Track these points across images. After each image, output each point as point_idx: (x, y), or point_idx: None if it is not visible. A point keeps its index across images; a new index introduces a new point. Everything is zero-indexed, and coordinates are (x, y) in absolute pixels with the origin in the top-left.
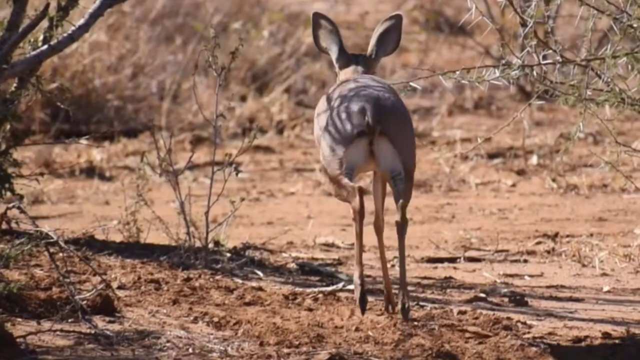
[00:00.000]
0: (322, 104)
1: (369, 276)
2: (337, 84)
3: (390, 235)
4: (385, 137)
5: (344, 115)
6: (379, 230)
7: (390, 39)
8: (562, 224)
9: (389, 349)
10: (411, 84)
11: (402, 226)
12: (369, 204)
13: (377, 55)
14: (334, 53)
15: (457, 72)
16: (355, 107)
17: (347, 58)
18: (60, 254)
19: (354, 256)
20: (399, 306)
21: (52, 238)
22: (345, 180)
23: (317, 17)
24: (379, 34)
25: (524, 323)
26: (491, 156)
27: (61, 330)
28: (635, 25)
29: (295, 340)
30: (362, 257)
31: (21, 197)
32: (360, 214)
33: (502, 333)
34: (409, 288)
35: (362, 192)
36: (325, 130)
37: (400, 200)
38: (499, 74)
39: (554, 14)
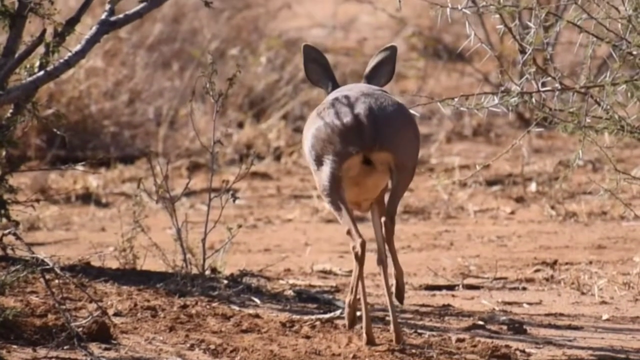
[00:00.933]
0: (311, 120)
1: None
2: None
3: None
4: (385, 151)
5: (335, 131)
6: (383, 265)
7: (385, 70)
8: (561, 252)
9: None
10: (410, 111)
11: (390, 227)
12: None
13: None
14: (327, 87)
15: (456, 99)
16: (348, 120)
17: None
18: (56, 281)
19: (351, 285)
20: (393, 290)
21: (48, 265)
22: (351, 227)
23: (308, 49)
24: (374, 65)
25: (523, 351)
26: (490, 183)
27: (57, 358)
28: (634, 53)
29: None
30: (357, 287)
31: (17, 223)
32: (360, 262)
33: None
34: (407, 315)
35: (365, 246)
36: (314, 150)
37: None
38: (498, 101)
39: (553, 41)
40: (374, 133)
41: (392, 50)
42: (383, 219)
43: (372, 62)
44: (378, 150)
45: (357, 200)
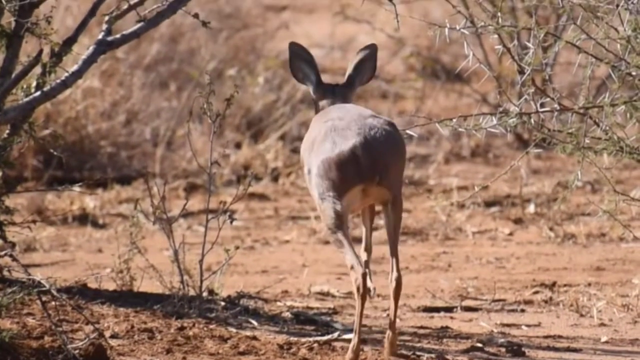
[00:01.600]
0: (308, 141)
1: (364, 325)
2: (319, 115)
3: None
4: (381, 184)
5: (335, 165)
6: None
7: (366, 68)
8: (559, 273)
9: None
10: (407, 131)
11: (397, 287)
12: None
13: (354, 85)
14: (311, 84)
15: (454, 120)
16: (347, 152)
17: (324, 88)
18: (53, 303)
19: (352, 310)
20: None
21: (44, 286)
22: (354, 262)
23: (294, 47)
24: (355, 63)
25: None
26: (488, 204)
27: None
28: (633, 73)
29: None
30: (361, 329)
31: (13, 244)
32: (362, 297)
33: None
34: (405, 337)
35: (366, 277)
36: (316, 179)
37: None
38: (496, 121)
39: (551, 62)
40: (372, 167)
41: (373, 48)
42: (394, 274)
43: (353, 61)
44: (377, 184)
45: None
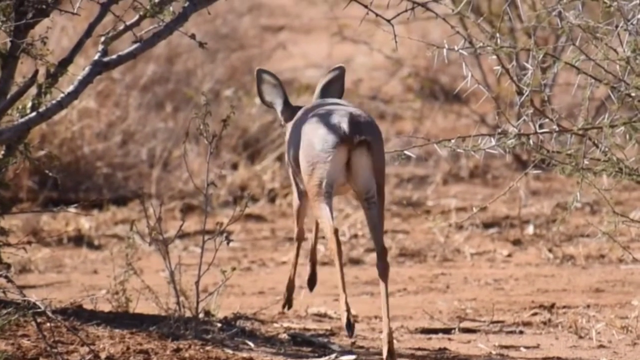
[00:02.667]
0: (293, 130)
1: (361, 347)
2: (302, 110)
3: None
4: (363, 148)
5: (321, 131)
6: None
7: (334, 89)
8: (558, 295)
9: None
10: (405, 152)
11: (384, 271)
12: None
13: None
14: (278, 106)
15: (453, 141)
16: (333, 120)
17: (292, 110)
18: (48, 324)
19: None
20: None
21: (39, 308)
22: (325, 212)
23: (261, 72)
24: (323, 84)
25: None
26: (487, 226)
27: None
28: (633, 95)
29: None
30: (345, 284)
31: (8, 266)
32: (339, 253)
33: None
34: (403, 359)
35: (337, 233)
36: (304, 148)
37: (380, 245)
38: (495, 142)
39: (550, 82)
40: (355, 127)
41: (341, 69)
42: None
43: (322, 82)
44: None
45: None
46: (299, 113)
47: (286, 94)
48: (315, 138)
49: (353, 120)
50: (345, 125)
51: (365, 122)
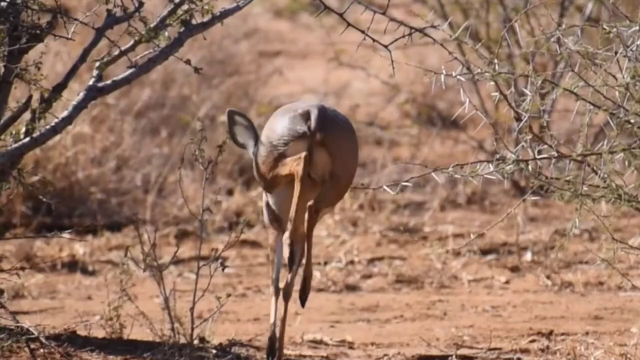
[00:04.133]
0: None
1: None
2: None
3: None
4: (325, 148)
5: (283, 121)
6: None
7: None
8: (556, 322)
9: None
10: (403, 183)
11: (313, 215)
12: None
13: None
14: (250, 147)
15: (450, 168)
16: (298, 111)
17: None
18: (41, 350)
19: (345, 359)
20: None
21: (33, 334)
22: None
23: (232, 114)
24: None
25: None
26: (484, 252)
27: None
28: (632, 121)
29: None
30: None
31: (2, 291)
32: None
33: None
34: None
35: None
36: (261, 139)
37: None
38: (493, 168)
39: (549, 108)
40: (320, 126)
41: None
42: (310, 203)
43: None
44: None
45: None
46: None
47: (257, 134)
48: (273, 131)
49: (321, 115)
50: (312, 118)
51: (334, 118)
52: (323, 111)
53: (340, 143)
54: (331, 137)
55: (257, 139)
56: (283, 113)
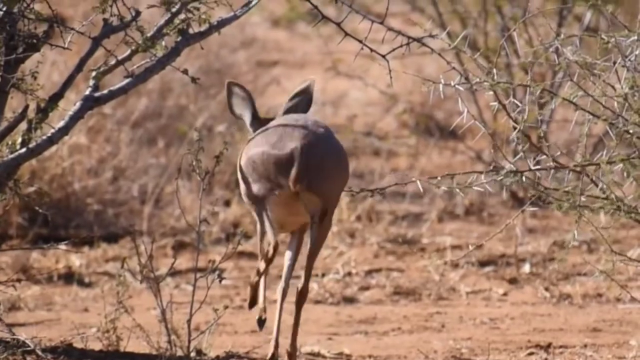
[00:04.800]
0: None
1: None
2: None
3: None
4: (311, 192)
5: (266, 164)
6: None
7: (302, 101)
8: (555, 334)
9: None
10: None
11: (301, 297)
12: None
13: None
14: (247, 118)
15: (439, 178)
16: (282, 152)
17: (260, 122)
18: None
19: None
20: None
21: (29, 346)
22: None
23: (231, 85)
24: (291, 96)
25: None
26: (482, 264)
27: None
28: (631, 131)
29: None
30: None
31: None
32: (267, 262)
33: None
34: None
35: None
36: (245, 181)
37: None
38: (485, 179)
39: (548, 119)
40: (305, 173)
41: (311, 81)
42: (300, 285)
43: (290, 94)
44: (307, 190)
45: (283, 223)
46: (258, 131)
47: (255, 107)
48: (254, 169)
49: (303, 160)
50: (293, 171)
51: (316, 165)
52: (307, 151)
53: (328, 184)
54: (316, 183)
55: (254, 111)
56: (264, 150)
